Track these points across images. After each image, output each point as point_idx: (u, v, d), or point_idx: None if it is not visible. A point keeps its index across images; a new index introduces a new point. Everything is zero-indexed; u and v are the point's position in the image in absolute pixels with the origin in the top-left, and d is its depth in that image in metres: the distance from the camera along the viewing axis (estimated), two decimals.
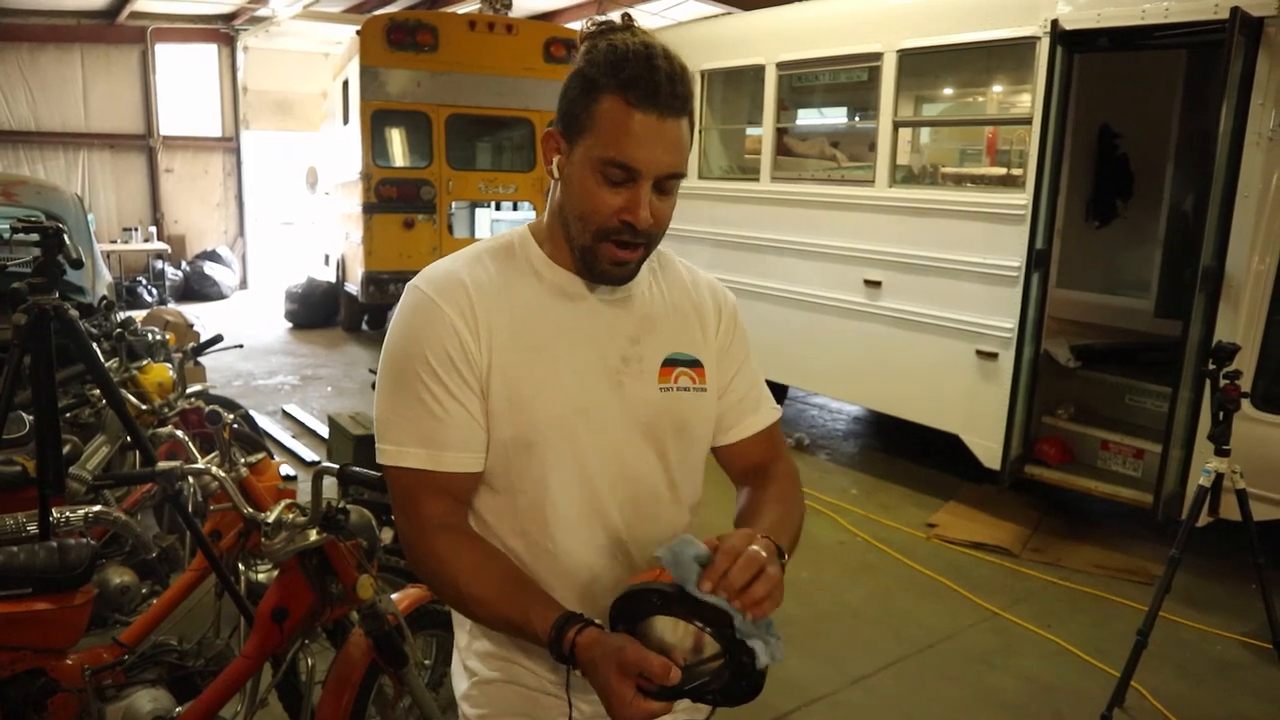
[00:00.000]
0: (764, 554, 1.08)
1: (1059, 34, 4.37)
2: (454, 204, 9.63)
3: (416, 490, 1.25)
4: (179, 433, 2.94)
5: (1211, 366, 3.15)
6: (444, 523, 1.25)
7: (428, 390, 1.24)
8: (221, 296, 13.04)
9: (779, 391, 6.83)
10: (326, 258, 11.44)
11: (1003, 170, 5.90)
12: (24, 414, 3.03)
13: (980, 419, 4.91)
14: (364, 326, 10.75)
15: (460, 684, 1.39)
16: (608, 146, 1.18)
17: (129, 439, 3.14)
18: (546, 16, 11.63)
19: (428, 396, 1.24)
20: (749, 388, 1.46)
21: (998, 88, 5.83)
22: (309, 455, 5.92)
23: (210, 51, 13.49)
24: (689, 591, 1.04)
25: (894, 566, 4.51)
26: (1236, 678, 3.57)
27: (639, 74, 1.17)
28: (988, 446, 4.88)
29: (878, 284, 5.42)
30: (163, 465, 2.29)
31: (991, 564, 4.55)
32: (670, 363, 1.35)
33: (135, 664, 2.38)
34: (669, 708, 1.06)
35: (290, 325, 11.05)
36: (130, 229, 12.77)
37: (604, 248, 1.23)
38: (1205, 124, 4.07)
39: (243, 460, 2.69)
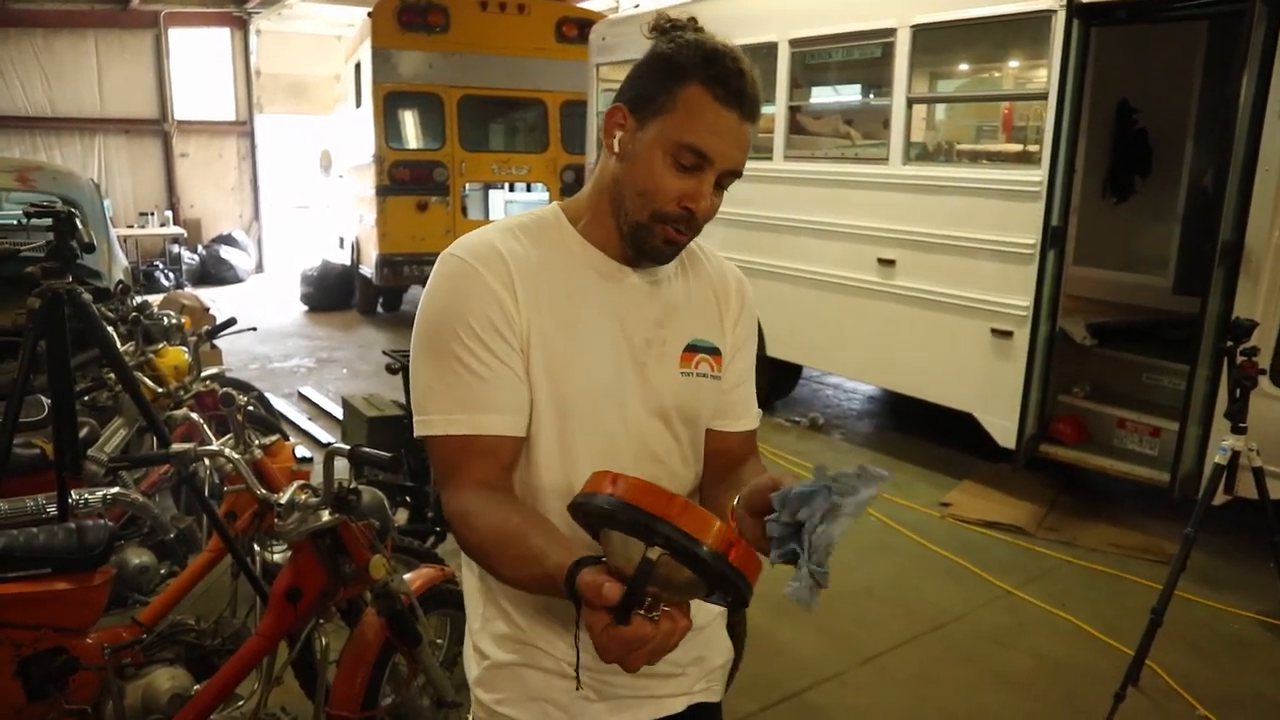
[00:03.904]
0: None
1: (1075, 7, 4.29)
2: (467, 186, 9.64)
3: (460, 458, 1.23)
4: (194, 415, 2.96)
5: (1229, 343, 3.11)
6: (481, 483, 1.22)
7: (470, 353, 1.22)
8: (238, 280, 13.12)
9: (793, 371, 6.81)
10: (341, 240, 11.49)
11: (1019, 146, 5.84)
12: (42, 397, 3.07)
13: (995, 397, 4.88)
14: (379, 309, 10.80)
15: (473, 668, 1.39)
16: (687, 131, 1.19)
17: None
18: None
19: (471, 359, 1.22)
20: (745, 387, 1.47)
21: (1014, 63, 5.75)
22: (324, 437, 5.96)
23: (223, 35, 13.51)
24: (617, 506, 0.96)
25: (907, 545, 4.50)
26: (1252, 656, 3.56)
27: (730, 72, 1.19)
28: (1003, 425, 4.85)
29: (892, 262, 5.39)
30: (177, 447, 2.31)
31: (1006, 543, 4.53)
32: (692, 348, 1.36)
33: (154, 643, 2.41)
34: (640, 630, 0.95)
35: (306, 308, 11.10)
36: (147, 213, 12.86)
37: (660, 228, 1.24)
38: (1225, 97, 4.00)
39: (256, 442, 2.71)
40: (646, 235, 1.25)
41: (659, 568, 0.94)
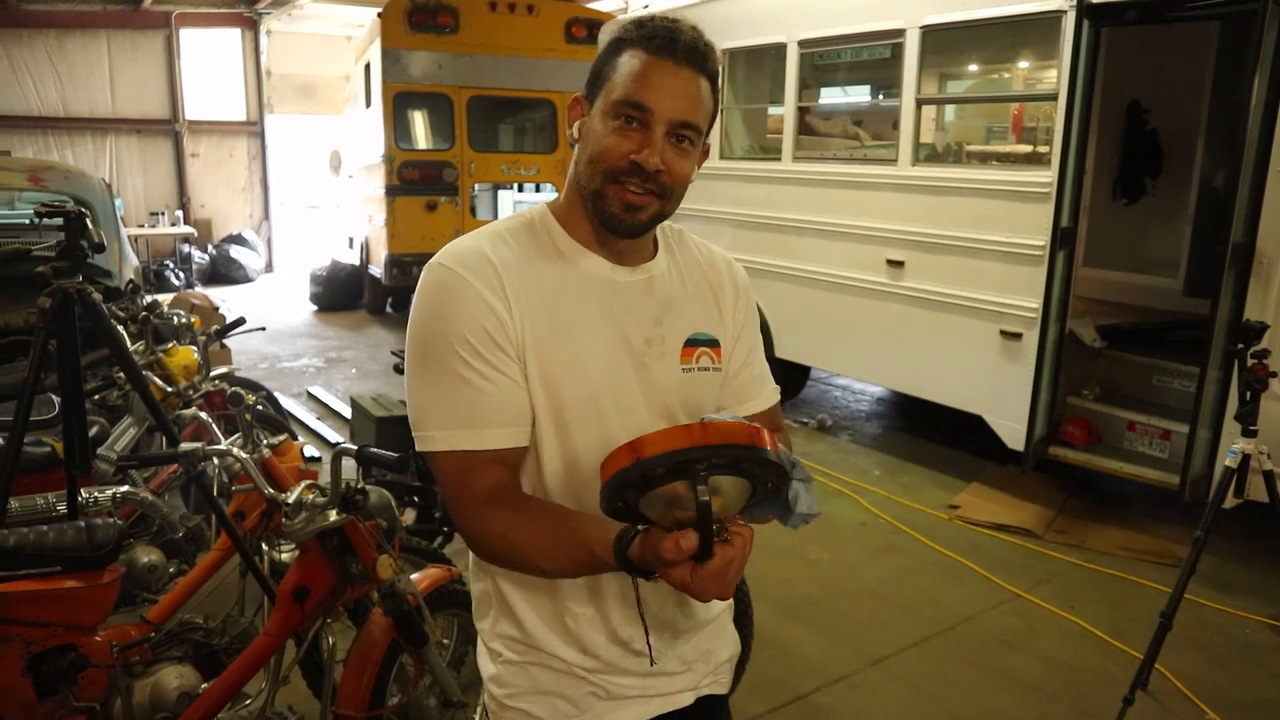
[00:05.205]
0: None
1: (1085, 7, 4.28)
2: (476, 186, 9.64)
3: (466, 471, 1.22)
4: (203, 414, 2.97)
5: (1239, 345, 3.09)
6: (494, 495, 1.22)
7: (468, 366, 1.21)
8: (248, 280, 13.17)
9: (801, 372, 6.80)
10: (350, 240, 11.51)
11: (1028, 148, 5.82)
12: (53, 396, 3.08)
13: (1004, 400, 4.86)
14: (388, 309, 10.83)
15: (487, 666, 1.40)
16: (623, 89, 1.22)
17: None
18: None
19: (469, 372, 1.21)
20: (757, 370, 1.47)
21: (1023, 63, 5.73)
22: (333, 437, 5.98)
23: (234, 36, 13.57)
24: (653, 462, 1.01)
25: (916, 548, 4.49)
26: (1262, 660, 3.54)
27: (660, 28, 1.23)
28: (1011, 427, 4.83)
29: (900, 264, 5.37)
30: (186, 446, 2.31)
31: (1014, 545, 4.52)
32: (692, 343, 1.36)
33: (162, 641, 2.42)
34: (725, 554, 1.01)
35: (315, 308, 11.14)
36: (157, 213, 12.92)
37: (613, 189, 1.23)
38: (1237, 98, 3.97)
39: (265, 442, 2.71)
40: (604, 202, 1.24)
41: (707, 495, 1.01)
